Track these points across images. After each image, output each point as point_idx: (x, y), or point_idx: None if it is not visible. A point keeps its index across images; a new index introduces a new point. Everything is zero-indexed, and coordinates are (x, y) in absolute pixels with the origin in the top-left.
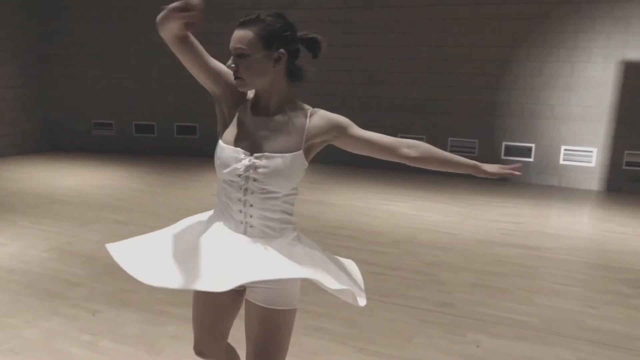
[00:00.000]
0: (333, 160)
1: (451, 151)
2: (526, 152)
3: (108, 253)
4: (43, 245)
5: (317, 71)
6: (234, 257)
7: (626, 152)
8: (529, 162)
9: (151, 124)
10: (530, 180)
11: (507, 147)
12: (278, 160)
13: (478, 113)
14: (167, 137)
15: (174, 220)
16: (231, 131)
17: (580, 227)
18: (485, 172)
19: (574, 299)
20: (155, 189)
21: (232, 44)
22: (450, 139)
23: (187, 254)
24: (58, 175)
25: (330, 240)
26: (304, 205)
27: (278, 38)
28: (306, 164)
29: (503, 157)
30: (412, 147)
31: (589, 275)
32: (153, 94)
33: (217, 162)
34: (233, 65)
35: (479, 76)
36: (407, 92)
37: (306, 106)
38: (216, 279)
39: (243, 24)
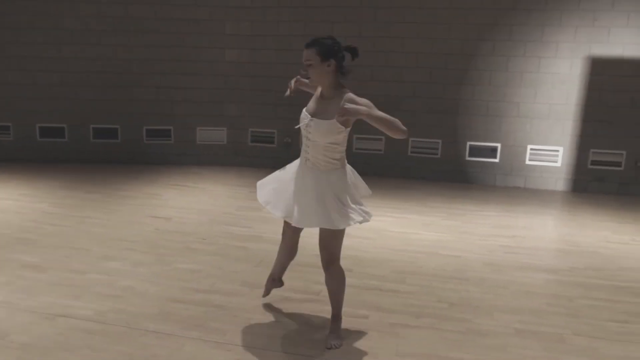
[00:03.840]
0: (262, 163)
1: (412, 152)
2: (491, 152)
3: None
4: None
5: None
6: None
7: (591, 150)
8: (494, 163)
9: (61, 126)
10: (496, 182)
11: (471, 147)
12: (318, 123)
13: (441, 111)
14: (80, 142)
15: (107, 258)
16: (309, 105)
17: (579, 238)
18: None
19: None
20: (73, 212)
21: (303, 58)
22: (411, 139)
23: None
24: None
25: (320, 277)
26: (260, 226)
27: (329, 52)
28: (341, 128)
29: (467, 158)
30: None
31: (634, 303)
32: (63, 90)
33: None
34: (304, 72)
35: (442, 71)
36: (361, 89)
37: (347, 92)
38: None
39: (307, 45)
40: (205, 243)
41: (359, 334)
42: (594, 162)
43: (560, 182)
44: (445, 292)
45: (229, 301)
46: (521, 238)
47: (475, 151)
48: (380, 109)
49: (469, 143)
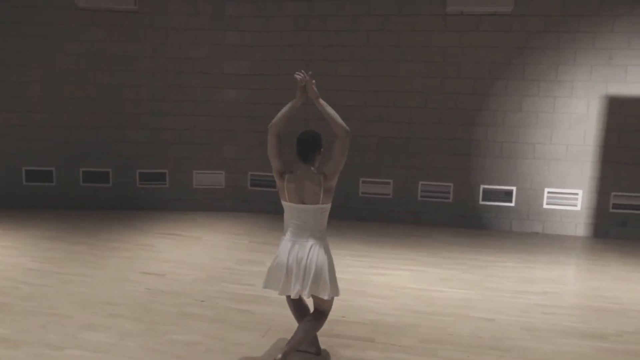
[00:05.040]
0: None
1: (422, 197)
2: (506, 196)
3: None
4: None
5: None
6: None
7: (613, 194)
8: (510, 207)
9: (48, 169)
10: (512, 228)
11: (485, 190)
12: None
13: (452, 152)
14: (69, 186)
15: (90, 327)
16: None
17: (617, 293)
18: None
19: None
20: (56, 267)
21: None
22: (421, 182)
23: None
24: None
25: (340, 350)
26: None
27: None
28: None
29: (481, 202)
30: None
31: None
32: (52, 132)
33: None
34: None
35: (452, 111)
36: (368, 130)
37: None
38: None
39: None
40: (203, 306)
41: None
42: (615, 206)
43: (580, 227)
44: None
45: None
46: (554, 295)
47: (489, 195)
48: (388, 150)
49: (482, 186)
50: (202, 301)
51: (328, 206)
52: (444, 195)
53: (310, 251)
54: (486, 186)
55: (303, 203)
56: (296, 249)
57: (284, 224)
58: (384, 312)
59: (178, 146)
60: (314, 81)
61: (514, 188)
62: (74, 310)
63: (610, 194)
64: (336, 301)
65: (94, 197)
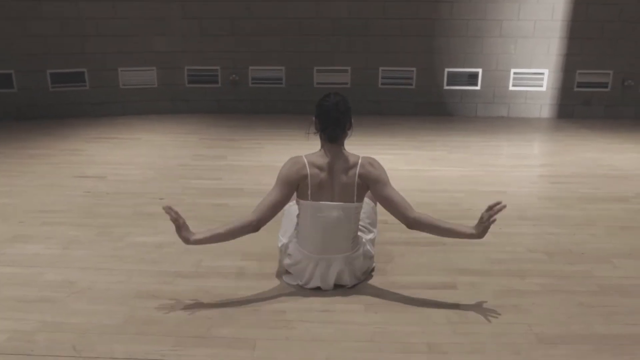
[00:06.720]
0: (205, 108)
1: (383, 84)
2: (471, 79)
3: None
4: None
5: None
6: None
7: (578, 72)
8: (475, 91)
9: None
10: (477, 113)
11: (450, 74)
12: None
13: (414, 33)
14: None
15: (20, 239)
16: None
17: (614, 162)
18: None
19: None
20: None
21: None
22: (381, 69)
23: None
24: None
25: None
26: (232, 176)
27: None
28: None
29: (446, 87)
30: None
31: None
32: None
33: None
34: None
35: None
36: (321, 10)
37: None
38: None
39: None
40: (165, 204)
41: (461, 308)
42: (580, 84)
43: (545, 109)
44: (527, 239)
45: (236, 287)
46: (552, 167)
47: (454, 79)
48: (343, 33)
49: (447, 70)
50: (160, 199)
51: (361, 205)
52: (406, 81)
53: (342, 273)
54: (451, 69)
55: (332, 200)
56: (323, 267)
57: (297, 230)
58: None
59: (96, 39)
60: None
61: (479, 70)
62: None
63: (576, 72)
64: None
65: None
